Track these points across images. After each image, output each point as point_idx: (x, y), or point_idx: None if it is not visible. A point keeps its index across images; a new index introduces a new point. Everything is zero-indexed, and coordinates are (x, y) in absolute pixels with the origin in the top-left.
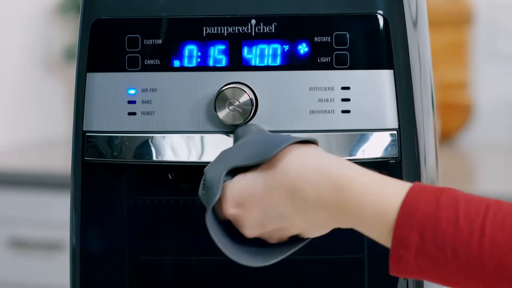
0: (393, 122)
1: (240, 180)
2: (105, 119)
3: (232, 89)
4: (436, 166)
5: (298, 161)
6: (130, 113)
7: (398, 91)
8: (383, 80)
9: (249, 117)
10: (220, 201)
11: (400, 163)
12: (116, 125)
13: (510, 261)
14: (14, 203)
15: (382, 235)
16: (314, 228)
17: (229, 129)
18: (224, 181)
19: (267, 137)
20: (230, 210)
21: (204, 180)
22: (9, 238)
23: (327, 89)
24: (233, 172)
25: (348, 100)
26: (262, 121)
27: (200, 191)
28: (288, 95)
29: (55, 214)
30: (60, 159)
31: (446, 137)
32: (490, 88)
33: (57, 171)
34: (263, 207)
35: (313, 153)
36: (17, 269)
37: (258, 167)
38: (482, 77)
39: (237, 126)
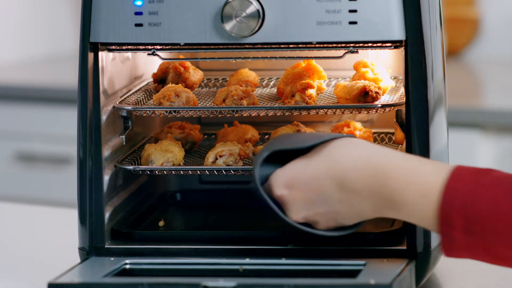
0: (400, 34)
1: (290, 165)
2: (112, 31)
3: (239, 0)
4: (443, 80)
5: (346, 151)
6: (137, 25)
7: (405, 3)
8: None
9: (256, 29)
10: (270, 184)
11: (407, 76)
12: (123, 37)
13: None
14: (21, 118)
15: (424, 218)
16: (356, 217)
17: (236, 41)
18: (275, 169)
19: (311, 133)
20: (278, 190)
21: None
22: (16, 152)
23: (334, 0)
24: (284, 161)
25: (355, 11)
26: (269, 32)
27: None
28: (295, 6)
29: (62, 128)
30: (67, 74)
31: (453, 52)
32: (497, 2)
33: (65, 86)
34: (310, 191)
35: (359, 143)
36: (25, 183)
37: (307, 155)
38: None
39: (244, 37)
